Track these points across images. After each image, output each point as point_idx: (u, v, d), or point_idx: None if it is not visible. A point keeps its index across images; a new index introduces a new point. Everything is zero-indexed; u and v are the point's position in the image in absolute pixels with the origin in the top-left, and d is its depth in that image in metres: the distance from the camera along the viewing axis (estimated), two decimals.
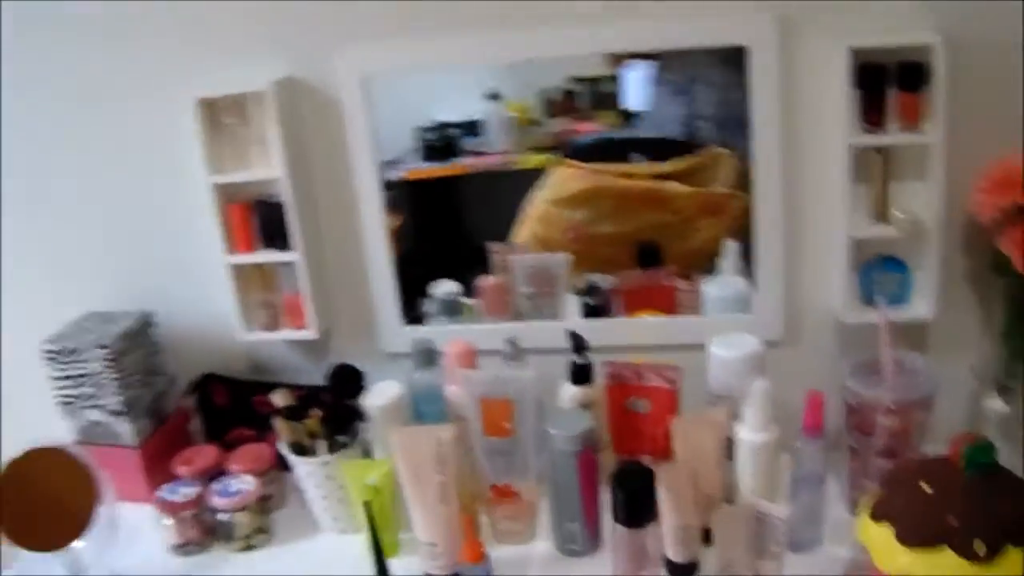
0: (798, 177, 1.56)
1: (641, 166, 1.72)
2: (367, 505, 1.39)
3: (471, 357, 1.58)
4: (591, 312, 1.71)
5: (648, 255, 1.71)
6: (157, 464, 1.67)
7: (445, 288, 1.74)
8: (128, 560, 1.57)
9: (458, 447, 1.40)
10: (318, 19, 1.56)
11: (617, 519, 1.28)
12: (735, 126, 1.60)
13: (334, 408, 1.54)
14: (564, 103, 1.76)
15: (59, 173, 1.75)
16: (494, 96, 1.74)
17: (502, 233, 1.74)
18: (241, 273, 1.66)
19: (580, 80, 1.74)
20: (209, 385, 1.77)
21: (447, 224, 1.84)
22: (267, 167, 1.59)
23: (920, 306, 1.55)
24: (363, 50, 1.57)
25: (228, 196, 1.62)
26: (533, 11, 1.52)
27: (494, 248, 1.73)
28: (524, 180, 1.75)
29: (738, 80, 1.56)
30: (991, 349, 1.58)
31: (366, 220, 1.66)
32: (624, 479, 1.28)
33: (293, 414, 1.53)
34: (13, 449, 1.49)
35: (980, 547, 1.17)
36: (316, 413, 1.53)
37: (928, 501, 1.23)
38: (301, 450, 1.53)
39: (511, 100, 1.75)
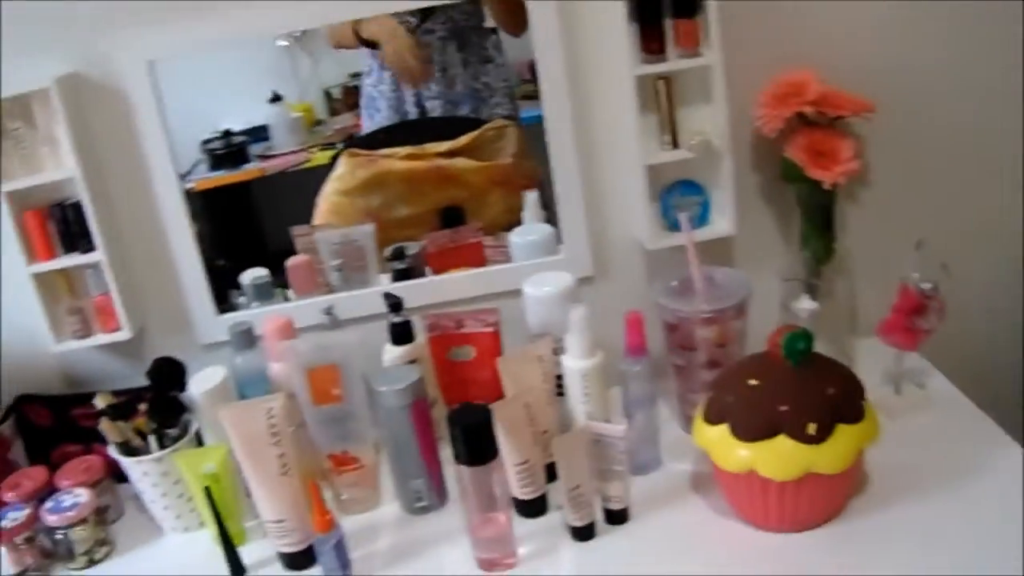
0: (588, 116, 1.61)
1: (427, 146, 1.76)
2: (208, 491, 1.37)
3: (289, 331, 1.56)
4: (402, 276, 1.71)
5: (451, 216, 1.74)
6: None
7: (254, 274, 1.72)
8: None
9: (290, 416, 1.38)
10: (92, 9, 1.52)
11: (459, 459, 1.28)
12: (465, 99, 1.74)
13: (159, 402, 1.50)
14: (346, 99, 1.79)
15: None
16: (276, 98, 1.77)
17: None
18: (45, 281, 1.60)
19: (359, 75, 1.79)
20: (25, 407, 1.69)
21: (245, 230, 1.83)
22: (59, 169, 1.54)
23: (721, 224, 1.61)
24: (141, 36, 1.52)
25: (22, 203, 1.56)
26: None
27: (296, 231, 1.72)
28: (317, 177, 1.77)
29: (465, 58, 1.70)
30: (793, 253, 1.65)
31: (168, 214, 1.62)
32: (461, 417, 1.28)
33: (119, 413, 1.48)
34: None
35: (812, 428, 1.23)
36: (142, 408, 1.49)
37: (757, 395, 1.28)
38: (131, 451, 1.49)
39: (294, 102, 1.79)
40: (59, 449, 1.68)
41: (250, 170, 1.79)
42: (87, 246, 1.58)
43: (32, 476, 1.58)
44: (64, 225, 1.58)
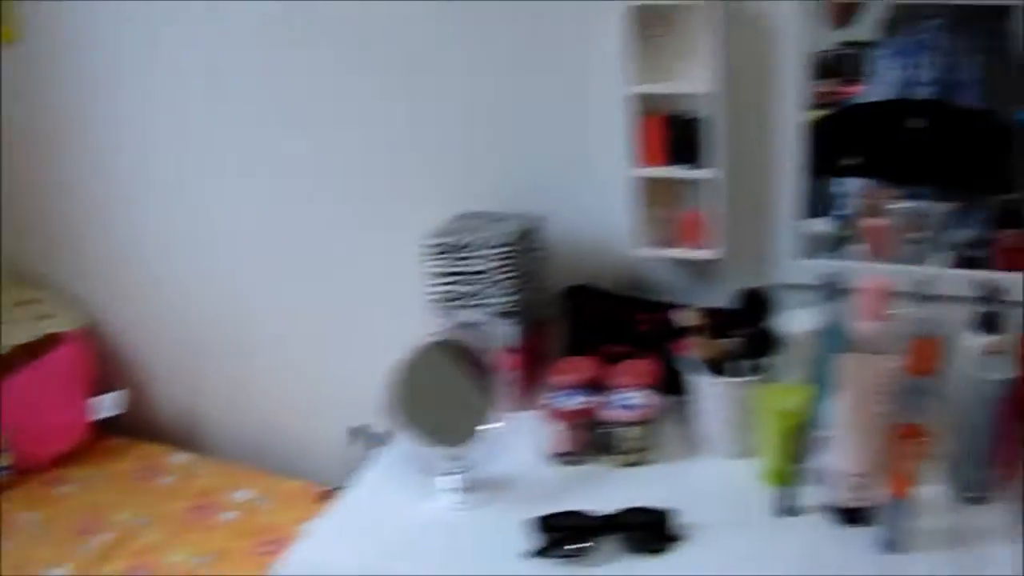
0: None
1: None
2: (788, 430, 1.40)
3: (886, 297, 1.52)
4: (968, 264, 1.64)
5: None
6: (529, 372, 1.67)
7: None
8: (502, 467, 1.56)
9: (895, 378, 1.38)
10: None
11: None
12: None
13: (755, 332, 1.53)
14: None
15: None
16: None
17: None
18: (646, 187, 1.65)
19: None
20: (582, 296, 1.76)
21: None
22: (692, 81, 1.57)
23: None
24: None
25: (643, 108, 1.60)
26: None
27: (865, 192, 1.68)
28: None
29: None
30: None
31: (780, 148, 1.63)
32: None
33: (714, 332, 1.52)
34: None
35: None
36: (737, 334, 1.53)
37: None
38: (715, 369, 1.53)
39: None
40: (606, 346, 1.71)
41: None
42: (696, 161, 1.61)
43: (583, 366, 1.63)
44: (679, 137, 1.61)
